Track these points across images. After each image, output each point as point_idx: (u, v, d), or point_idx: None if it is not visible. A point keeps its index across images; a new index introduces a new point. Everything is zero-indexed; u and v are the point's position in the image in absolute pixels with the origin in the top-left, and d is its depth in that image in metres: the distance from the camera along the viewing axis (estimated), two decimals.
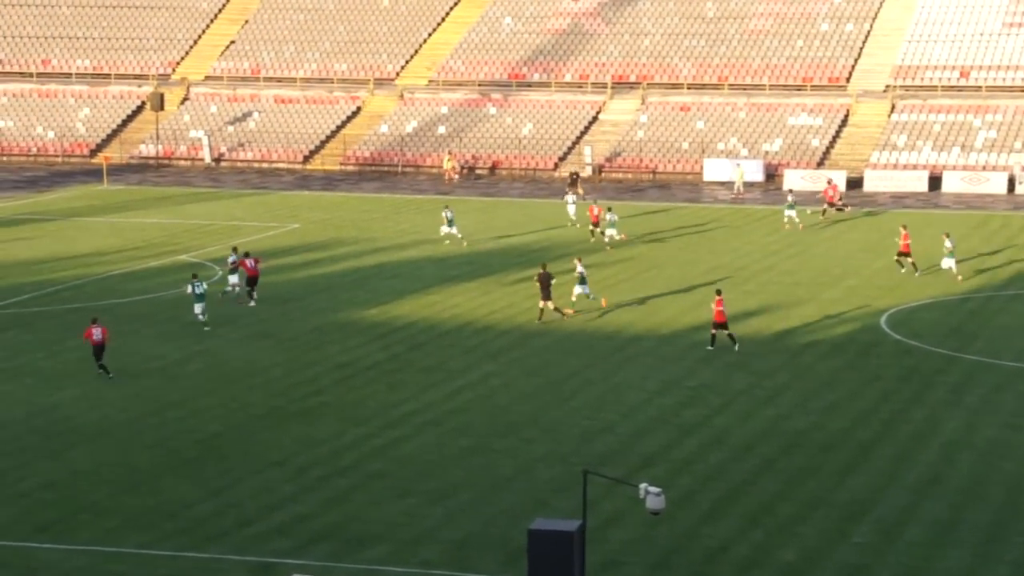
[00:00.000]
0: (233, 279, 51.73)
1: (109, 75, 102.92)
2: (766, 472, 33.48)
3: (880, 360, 43.62)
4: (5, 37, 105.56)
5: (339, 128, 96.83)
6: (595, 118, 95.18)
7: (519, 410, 38.31)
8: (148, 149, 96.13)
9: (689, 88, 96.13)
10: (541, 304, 48.30)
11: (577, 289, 49.46)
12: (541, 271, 48.95)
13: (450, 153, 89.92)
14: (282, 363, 43.08)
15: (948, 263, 54.84)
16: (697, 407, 38.73)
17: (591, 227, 64.86)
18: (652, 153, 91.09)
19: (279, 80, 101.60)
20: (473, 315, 49.54)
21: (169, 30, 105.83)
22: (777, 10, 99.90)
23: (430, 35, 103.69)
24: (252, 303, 50.62)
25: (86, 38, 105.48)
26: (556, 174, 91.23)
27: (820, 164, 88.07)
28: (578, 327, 47.80)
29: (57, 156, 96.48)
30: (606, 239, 62.96)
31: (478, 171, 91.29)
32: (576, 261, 50.74)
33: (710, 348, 44.27)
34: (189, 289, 47.49)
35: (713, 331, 44.43)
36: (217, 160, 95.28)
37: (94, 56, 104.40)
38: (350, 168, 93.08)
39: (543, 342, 45.79)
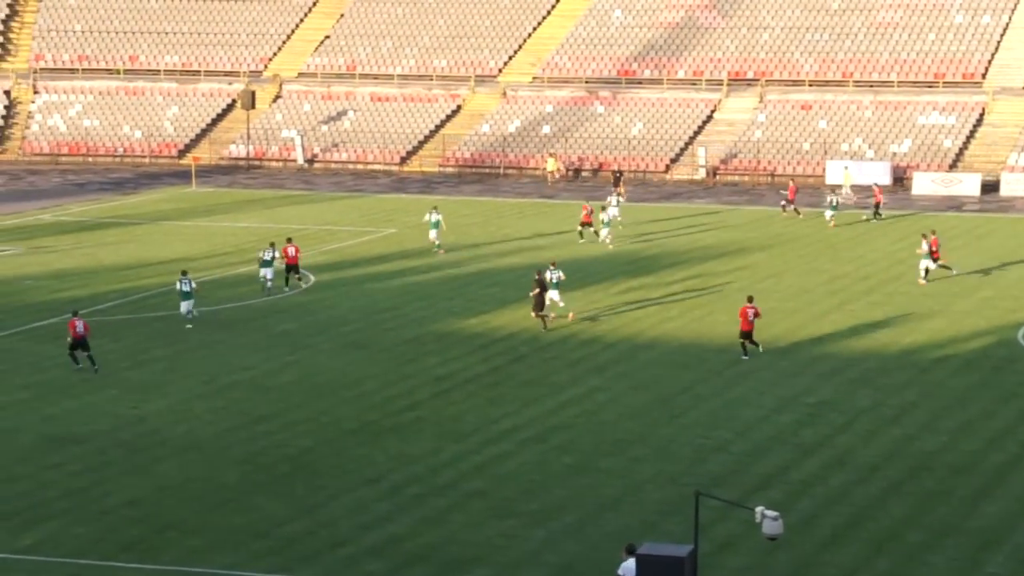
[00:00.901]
0: (265, 272, 53.79)
1: (199, 72, 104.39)
2: (892, 496, 33.08)
3: (1017, 377, 42.93)
4: (91, 32, 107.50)
5: (438, 128, 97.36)
6: (709, 117, 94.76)
7: (627, 427, 38.21)
8: (238, 150, 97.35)
9: (811, 85, 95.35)
10: (534, 314, 48.51)
11: (552, 295, 49.53)
12: (538, 276, 49.28)
13: (552, 154, 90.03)
14: (376, 375, 43.36)
15: (925, 264, 55.92)
16: (817, 426, 38.37)
17: (579, 227, 65.99)
18: (770, 155, 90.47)
19: (375, 77, 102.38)
20: (578, 326, 49.50)
21: (261, 24, 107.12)
22: (907, 1, 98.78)
23: (535, 29, 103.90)
24: (304, 285, 53.65)
25: (175, 33, 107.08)
26: (668, 177, 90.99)
27: (952, 167, 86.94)
28: (690, 339, 47.60)
29: (144, 157, 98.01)
30: (600, 239, 64.38)
31: (583, 173, 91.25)
32: (551, 266, 50.73)
33: (758, 351, 44.84)
34: (177, 286, 49.29)
35: (742, 340, 44.85)
36: (310, 161, 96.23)
37: (183, 52, 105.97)
38: (449, 170, 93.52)
39: (652, 355, 45.65)
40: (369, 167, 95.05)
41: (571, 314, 49.81)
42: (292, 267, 55.08)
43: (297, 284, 55.35)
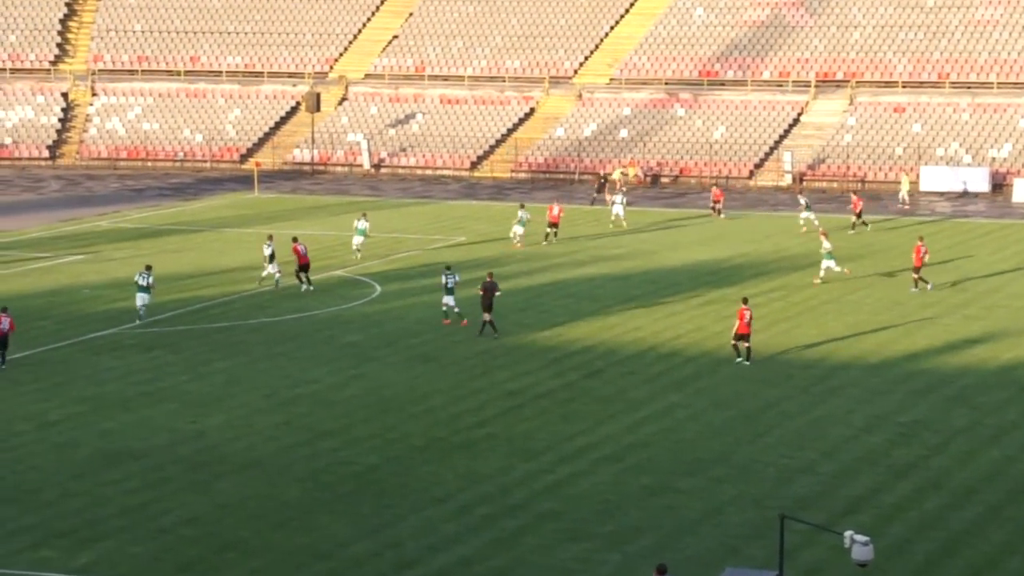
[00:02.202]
0: (271, 268, 56.44)
1: (262, 73, 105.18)
2: (991, 521, 32.74)
3: None
4: (152, 32, 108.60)
5: (510, 131, 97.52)
6: (796, 120, 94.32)
7: (708, 446, 38.07)
8: (302, 154, 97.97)
9: (904, 87, 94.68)
10: (487, 317, 49.40)
11: (446, 299, 51.03)
12: (488, 279, 50.16)
13: (623, 162, 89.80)
14: (445, 390, 43.44)
15: (827, 263, 57.76)
16: (910, 446, 38.06)
17: (548, 229, 67.91)
18: (861, 160, 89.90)
19: (445, 79, 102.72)
20: (657, 339, 49.40)
21: (327, 24, 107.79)
22: None
23: (612, 28, 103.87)
24: (309, 288, 55.94)
25: (238, 33, 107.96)
26: (751, 183, 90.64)
27: None
28: (775, 353, 47.36)
29: (205, 161, 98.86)
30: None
31: (662, 179, 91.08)
32: (446, 270, 51.74)
33: (746, 362, 45.53)
34: (137, 278, 51.86)
35: (734, 342, 45.82)
36: (377, 166, 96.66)
37: (246, 52, 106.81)
38: (522, 175, 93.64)
39: (735, 370, 45.46)
40: (438, 172, 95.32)
41: (464, 320, 50.95)
42: (304, 266, 56.43)
43: (307, 286, 56.64)
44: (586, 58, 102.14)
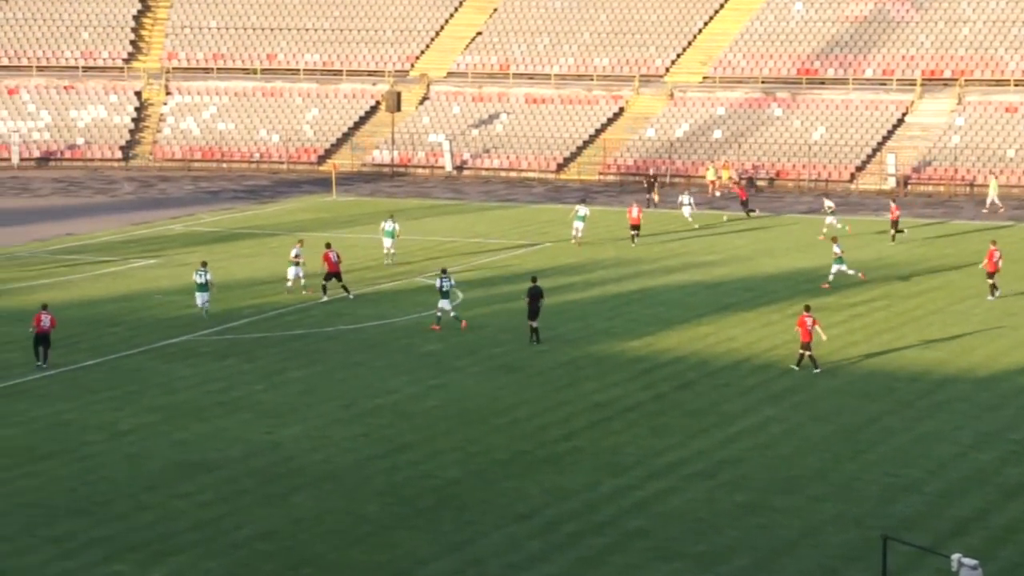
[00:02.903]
0: (292, 272, 57.41)
1: (340, 71, 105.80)
2: None
3: None
4: (227, 29, 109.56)
5: (598, 132, 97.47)
6: (900, 121, 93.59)
7: (805, 463, 37.84)
8: (382, 155, 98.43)
9: (1016, 85, 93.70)
10: (533, 324, 49.91)
11: (441, 303, 51.71)
12: (532, 285, 50.58)
13: (715, 163, 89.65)
14: (529, 401, 43.46)
15: (837, 268, 58.91)
16: (1022, 464, 37.61)
17: (631, 231, 69.30)
18: (970, 162, 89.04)
19: (531, 77, 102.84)
20: (752, 350, 49.18)
21: (407, 21, 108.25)
22: None
23: (706, 24, 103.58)
24: (351, 296, 56.55)
25: (316, 30, 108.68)
26: (853, 187, 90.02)
27: None
28: (877, 366, 47.00)
29: (282, 163, 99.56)
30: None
31: (758, 182, 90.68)
32: (442, 273, 52.39)
33: (795, 368, 46.03)
34: (195, 276, 53.54)
35: (801, 351, 46.09)
36: (459, 168, 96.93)
37: (324, 50, 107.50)
38: (610, 178, 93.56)
39: (834, 383, 45.17)
40: (523, 175, 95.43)
41: (463, 323, 51.73)
42: (333, 275, 56.70)
43: (344, 294, 56.95)
44: (678, 55, 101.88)
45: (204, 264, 54.72)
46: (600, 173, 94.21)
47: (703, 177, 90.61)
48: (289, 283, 58.07)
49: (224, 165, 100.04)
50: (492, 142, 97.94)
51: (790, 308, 55.29)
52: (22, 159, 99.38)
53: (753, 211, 78.15)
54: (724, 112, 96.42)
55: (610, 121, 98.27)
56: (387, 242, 64.63)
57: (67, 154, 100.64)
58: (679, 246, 69.60)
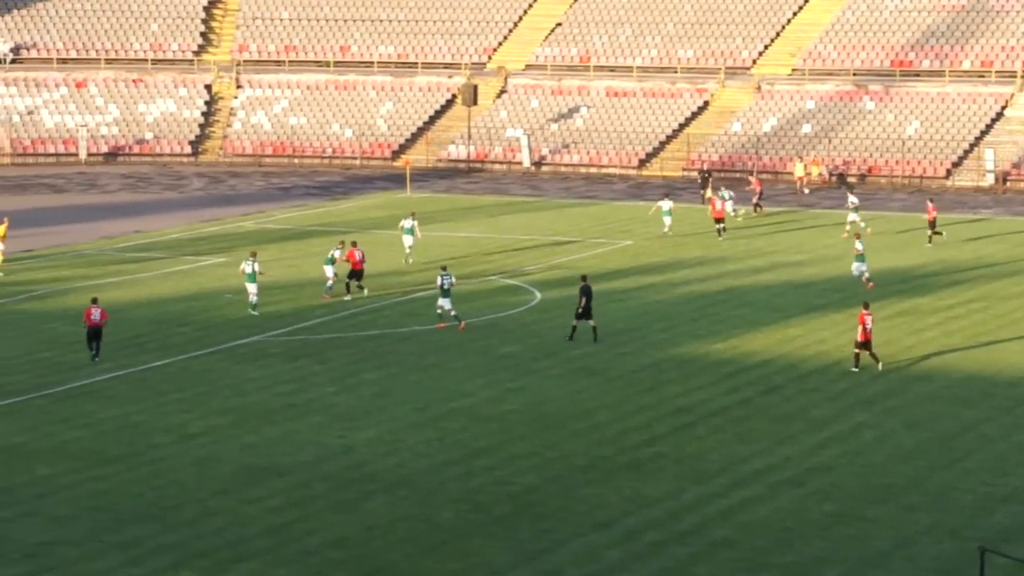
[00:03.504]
0: (329, 271, 57.43)
1: (415, 64, 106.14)
2: None
3: None
4: (300, 20, 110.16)
5: (682, 126, 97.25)
6: (1000, 115, 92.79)
7: (898, 471, 37.60)
8: (458, 151, 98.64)
9: None
10: (591, 323, 50.16)
11: (441, 301, 52.16)
12: (583, 283, 50.65)
13: (803, 158, 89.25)
14: (610, 405, 43.42)
15: (858, 268, 58.86)
16: None
17: (716, 225, 70.30)
18: None
19: (612, 69, 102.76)
20: (842, 353, 48.90)
21: (485, 11, 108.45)
22: None
23: (795, 14, 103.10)
24: (364, 293, 57.04)
25: (390, 21, 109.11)
26: (948, 183, 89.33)
27: None
28: (974, 370, 46.61)
29: (355, 158, 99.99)
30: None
31: (849, 178, 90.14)
32: (441, 270, 52.68)
33: (855, 370, 45.95)
34: (243, 266, 54.62)
35: (856, 351, 46.24)
36: (537, 164, 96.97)
37: (399, 42, 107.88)
38: (694, 174, 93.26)
39: (929, 388, 44.85)
40: (604, 171, 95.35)
41: (462, 323, 52.16)
42: (356, 273, 57.05)
43: (359, 293, 57.25)
44: (766, 47, 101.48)
45: (254, 254, 55.65)
46: (684, 169, 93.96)
47: (791, 173, 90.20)
48: (330, 283, 58.12)
49: (295, 160, 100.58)
50: (572, 137, 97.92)
51: (883, 310, 54.89)
52: (90, 154, 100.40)
53: (759, 207, 78.13)
54: (814, 106, 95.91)
55: (694, 115, 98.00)
56: (407, 241, 64.56)
57: (135, 149, 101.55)
58: (766, 244, 69.33)
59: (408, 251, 64.70)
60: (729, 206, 74.20)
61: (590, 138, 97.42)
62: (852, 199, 72.71)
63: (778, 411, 42.75)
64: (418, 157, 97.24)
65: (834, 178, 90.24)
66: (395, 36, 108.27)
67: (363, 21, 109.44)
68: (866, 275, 58.63)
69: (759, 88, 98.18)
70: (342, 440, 40.22)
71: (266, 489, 36.23)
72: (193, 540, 32.96)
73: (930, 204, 69.87)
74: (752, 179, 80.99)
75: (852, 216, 71.31)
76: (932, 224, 68.70)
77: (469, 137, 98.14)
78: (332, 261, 57.83)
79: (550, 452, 39.14)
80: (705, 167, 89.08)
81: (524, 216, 78.98)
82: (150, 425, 41.49)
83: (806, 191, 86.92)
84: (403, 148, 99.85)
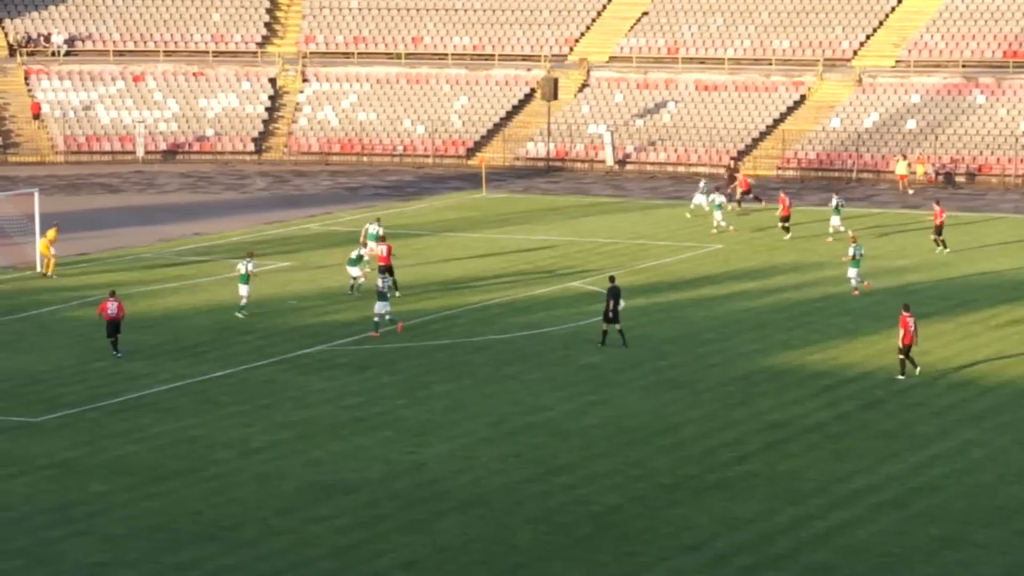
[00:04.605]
0: (354, 271, 58.50)
1: (492, 56, 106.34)
2: None
3: None
4: (369, 10, 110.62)
5: (777, 122, 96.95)
6: None
7: (1010, 492, 37.34)
8: (537, 148, 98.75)
9: None
10: (618, 327, 50.57)
11: (377, 306, 53.14)
12: (611, 285, 50.95)
13: (906, 156, 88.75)
14: (697, 420, 43.36)
15: (851, 273, 59.05)
16: None
17: (780, 223, 71.57)
18: None
19: (702, 61, 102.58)
20: (948, 365, 48.62)
21: (566, 0, 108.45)
22: None
23: (899, 2, 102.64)
24: (397, 293, 57.33)
25: (465, 10, 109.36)
26: None
27: None
28: None
29: (427, 156, 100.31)
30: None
31: (957, 177, 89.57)
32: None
33: (900, 377, 46.41)
34: (239, 266, 55.78)
35: (901, 356, 46.89)
36: (622, 162, 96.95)
37: (474, 32, 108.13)
38: (790, 173, 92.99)
39: None
40: (692, 169, 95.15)
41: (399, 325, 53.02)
42: (386, 268, 57.77)
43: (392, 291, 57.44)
44: (868, 37, 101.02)
45: (251, 254, 56.86)
46: (779, 168, 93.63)
47: (893, 172, 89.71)
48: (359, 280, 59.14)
49: (364, 159, 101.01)
50: (658, 134, 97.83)
51: (993, 319, 54.54)
52: (147, 152, 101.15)
53: (748, 200, 78.66)
54: (919, 100, 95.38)
55: (790, 110, 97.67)
56: (371, 245, 62.69)
57: (195, 146, 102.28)
58: (866, 249, 68.76)
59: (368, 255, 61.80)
60: (719, 215, 72.89)
61: (678, 135, 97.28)
62: (837, 199, 72.24)
63: (879, 427, 42.56)
64: (494, 155, 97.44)
65: (941, 177, 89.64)
66: (470, 26, 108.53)
67: (436, 10, 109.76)
68: (854, 281, 58.98)
69: (860, 81, 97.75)
70: (412, 456, 40.35)
71: (332, 508, 36.40)
72: (255, 562, 33.17)
73: (937, 207, 68.68)
74: (739, 176, 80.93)
75: (835, 219, 70.94)
76: (939, 229, 67.73)
77: (548, 134, 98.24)
78: (357, 260, 58.86)
79: (634, 470, 39.14)
80: (732, 163, 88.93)
81: (607, 218, 78.95)
82: (210, 439, 41.78)
83: (910, 191, 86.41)
84: (478, 145, 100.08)
